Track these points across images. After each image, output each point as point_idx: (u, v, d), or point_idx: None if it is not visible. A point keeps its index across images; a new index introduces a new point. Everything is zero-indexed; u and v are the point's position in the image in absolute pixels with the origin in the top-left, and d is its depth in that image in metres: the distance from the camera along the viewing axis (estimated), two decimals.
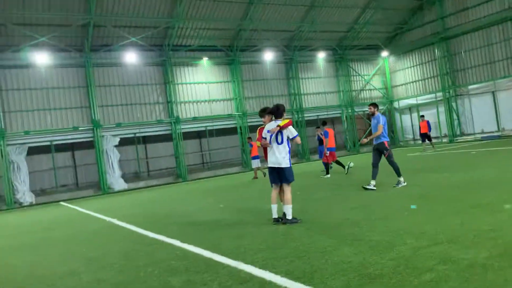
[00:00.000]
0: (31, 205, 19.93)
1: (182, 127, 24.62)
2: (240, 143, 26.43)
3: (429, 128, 21.15)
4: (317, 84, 29.98)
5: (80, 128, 22.00)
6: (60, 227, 10.63)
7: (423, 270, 3.92)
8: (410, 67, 30.87)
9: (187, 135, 25.14)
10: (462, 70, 27.17)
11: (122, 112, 23.33)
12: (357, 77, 31.48)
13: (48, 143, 21.59)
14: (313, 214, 7.76)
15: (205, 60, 25.66)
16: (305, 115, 28.62)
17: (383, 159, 9.80)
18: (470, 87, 26.63)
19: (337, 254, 4.81)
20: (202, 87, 25.85)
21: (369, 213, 7.09)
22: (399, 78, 31.88)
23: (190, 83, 25.46)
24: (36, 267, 6.24)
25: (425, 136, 21.39)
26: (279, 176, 7.04)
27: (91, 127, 22.16)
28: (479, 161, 14.06)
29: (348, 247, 5.05)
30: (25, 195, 20.27)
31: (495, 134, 24.57)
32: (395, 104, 32.05)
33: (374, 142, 9.94)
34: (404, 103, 31.36)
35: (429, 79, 29.42)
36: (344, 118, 30.51)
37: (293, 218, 6.92)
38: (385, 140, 9.79)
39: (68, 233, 9.32)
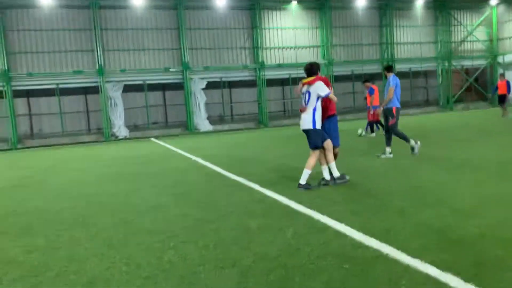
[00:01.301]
0: (125, 139, 21.70)
1: (266, 73, 24.67)
2: None
3: (509, 90, 18.25)
4: (413, 34, 28.03)
5: (171, 70, 23.02)
6: (151, 161, 11.51)
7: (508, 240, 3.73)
8: None
9: (271, 82, 25.19)
10: None
11: (210, 56, 23.89)
12: (459, 27, 28.79)
13: (141, 82, 22.98)
14: (389, 176, 7.58)
15: (294, 4, 24.99)
16: (397, 66, 27.11)
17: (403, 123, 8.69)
18: None
19: (416, 216, 4.71)
20: (289, 33, 25.42)
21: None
22: (507, 30, 28.62)
23: (276, 28, 25.13)
24: (130, 196, 6.90)
25: (503, 98, 18.53)
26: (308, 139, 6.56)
27: (181, 69, 23.07)
28: None
29: (429, 209, 4.91)
30: (121, 129, 22.08)
31: None
32: (499, 59, 29.06)
33: (385, 106, 9.03)
34: (510, 58, 28.30)
35: None
36: (440, 72, 28.45)
37: (307, 184, 6.42)
38: (394, 106, 8.84)
39: (159, 168, 10.08)
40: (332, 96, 6.42)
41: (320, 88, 6.30)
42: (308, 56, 25.53)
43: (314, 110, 6.36)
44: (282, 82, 26.02)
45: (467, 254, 3.52)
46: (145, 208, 5.96)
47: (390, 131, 9.04)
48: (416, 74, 28.71)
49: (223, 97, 24.91)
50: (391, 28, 26.98)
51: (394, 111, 8.86)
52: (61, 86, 21.76)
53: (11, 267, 3.92)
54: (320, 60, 25.54)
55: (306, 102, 6.42)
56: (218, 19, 23.97)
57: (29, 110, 22.33)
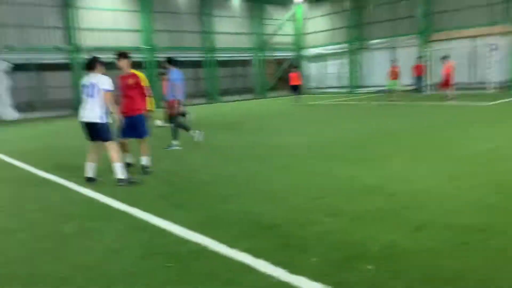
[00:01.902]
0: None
1: (83, 56, 22.86)
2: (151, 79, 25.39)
3: (301, 80, 21.18)
4: (232, 24, 29.42)
5: None
6: None
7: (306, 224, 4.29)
8: (321, 16, 31.44)
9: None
10: (368, 24, 28.36)
11: (14, 34, 20.86)
12: (271, 20, 31.41)
13: None
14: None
15: None
16: (218, 54, 28.16)
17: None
18: (373, 41, 28.05)
19: (233, 204, 5.04)
20: (108, 15, 23.94)
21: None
22: (310, 26, 32.41)
23: (94, 9, 23.38)
24: None
25: (295, 88, 21.33)
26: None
27: None
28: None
29: (244, 197, 5.30)
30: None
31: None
32: (305, 52, 32.80)
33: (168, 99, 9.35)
34: (313, 51, 32.19)
35: (338, 30, 30.29)
36: (255, 62, 30.66)
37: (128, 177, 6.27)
38: (172, 99, 9.08)
39: None
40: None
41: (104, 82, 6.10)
42: (129, 41, 24.50)
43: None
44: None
45: (276, 238, 3.93)
46: None
47: (174, 123, 9.28)
48: (235, 63, 30.35)
49: (33, 81, 22.11)
50: (211, 17, 27.82)
51: (173, 103, 9.04)
52: None
53: None
54: (142, 45, 24.82)
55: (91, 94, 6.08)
56: None
57: None
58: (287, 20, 32.21)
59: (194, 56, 26.98)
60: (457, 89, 18.51)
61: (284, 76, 32.20)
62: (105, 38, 23.69)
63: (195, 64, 27.47)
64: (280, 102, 24.59)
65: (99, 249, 3.87)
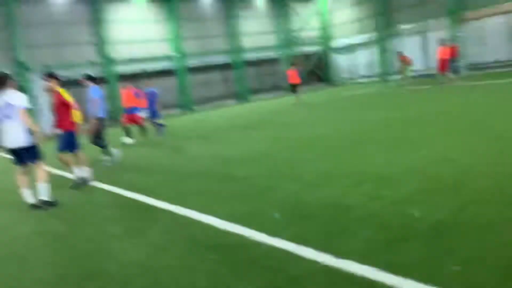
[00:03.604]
0: None
1: (117, 68, 23.54)
2: (179, 87, 25.82)
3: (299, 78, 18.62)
4: (257, 24, 29.51)
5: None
6: None
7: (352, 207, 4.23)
8: (347, 6, 30.95)
9: (125, 77, 24.02)
10: (395, 10, 27.61)
11: (50, 53, 21.76)
12: (296, 16, 31.25)
13: None
14: None
15: None
16: (245, 55, 28.29)
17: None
18: (402, 27, 27.31)
19: (272, 195, 5.04)
20: (138, 27, 24.58)
21: None
22: (337, 17, 31.97)
23: (123, 22, 24.06)
24: None
25: (293, 87, 18.88)
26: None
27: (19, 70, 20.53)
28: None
29: (284, 186, 5.29)
30: None
31: (424, 73, 25.70)
32: (333, 44, 32.38)
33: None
34: (341, 43, 31.73)
35: (365, 19, 29.70)
36: (283, 59, 30.57)
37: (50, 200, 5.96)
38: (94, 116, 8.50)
39: None
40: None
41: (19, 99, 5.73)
42: (159, 50, 25.01)
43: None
44: (135, 76, 25.05)
45: (318, 225, 3.90)
46: None
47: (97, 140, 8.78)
48: (263, 62, 30.36)
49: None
50: (236, 19, 27.99)
51: (95, 121, 8.49)
52: None
53: None
54: (172, 53, 25.28)
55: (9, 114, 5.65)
56: (56, 14, 21.93)
57: None
58: (312, 14, 31.92)
59: (222, 59, 27.23)
60: (497, 67, 17.74)
61: (313, 70, 32.02)
62: (136, 49, 24.31)
63: (224, 67, 27.72)
64: (314, 95, 24.42)
65: (145, 247, 3.96)
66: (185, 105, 25.51)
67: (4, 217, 5.90)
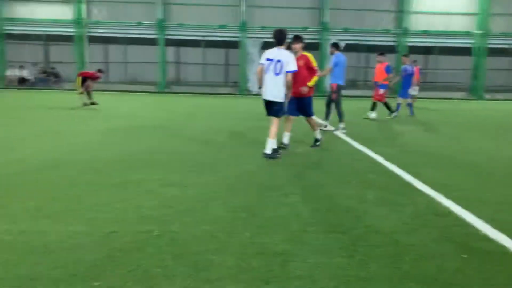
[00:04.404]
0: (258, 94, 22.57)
1: (410, 39, 23.07)
2: (472, 70, 23.38)
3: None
4: None
5: (308, 29, 22.87)
6: None
7: None
8: None
9: (416, 49, 23.42)
10: None
11: (350, 17, 23.11)
12: None
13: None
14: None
15: None
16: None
17: None
18: None
19: None
20: None
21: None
22: None
23: None
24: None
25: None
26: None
27: (319, 29, 22.72)
28: None
29: None
30: (254, 85, 23.01)
31: None
32: None
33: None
34: None
35: None
36: None
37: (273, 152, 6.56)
38: (334, 83, 9.60)
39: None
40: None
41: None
42: (459, 24, 23.06)
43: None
44: (427, 50, 24.04)
45: None
46: (267, 162, 6.28)
47: (328, 105, 10.08)
48: None
49: (360, 62, 24.12)
50: None
51: (334, 87, 9.60)
52: (206, 38, 23.28)
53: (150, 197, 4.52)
54: (473, 30, 22.92)
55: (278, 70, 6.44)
56: None
57: (178, 58, 24.44)
58: None
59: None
60: None
61: None
62: (434, 22, 23.13)
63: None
64: None
65: (394, 220, 3.97)
66: (475, 90, 23.09)
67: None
